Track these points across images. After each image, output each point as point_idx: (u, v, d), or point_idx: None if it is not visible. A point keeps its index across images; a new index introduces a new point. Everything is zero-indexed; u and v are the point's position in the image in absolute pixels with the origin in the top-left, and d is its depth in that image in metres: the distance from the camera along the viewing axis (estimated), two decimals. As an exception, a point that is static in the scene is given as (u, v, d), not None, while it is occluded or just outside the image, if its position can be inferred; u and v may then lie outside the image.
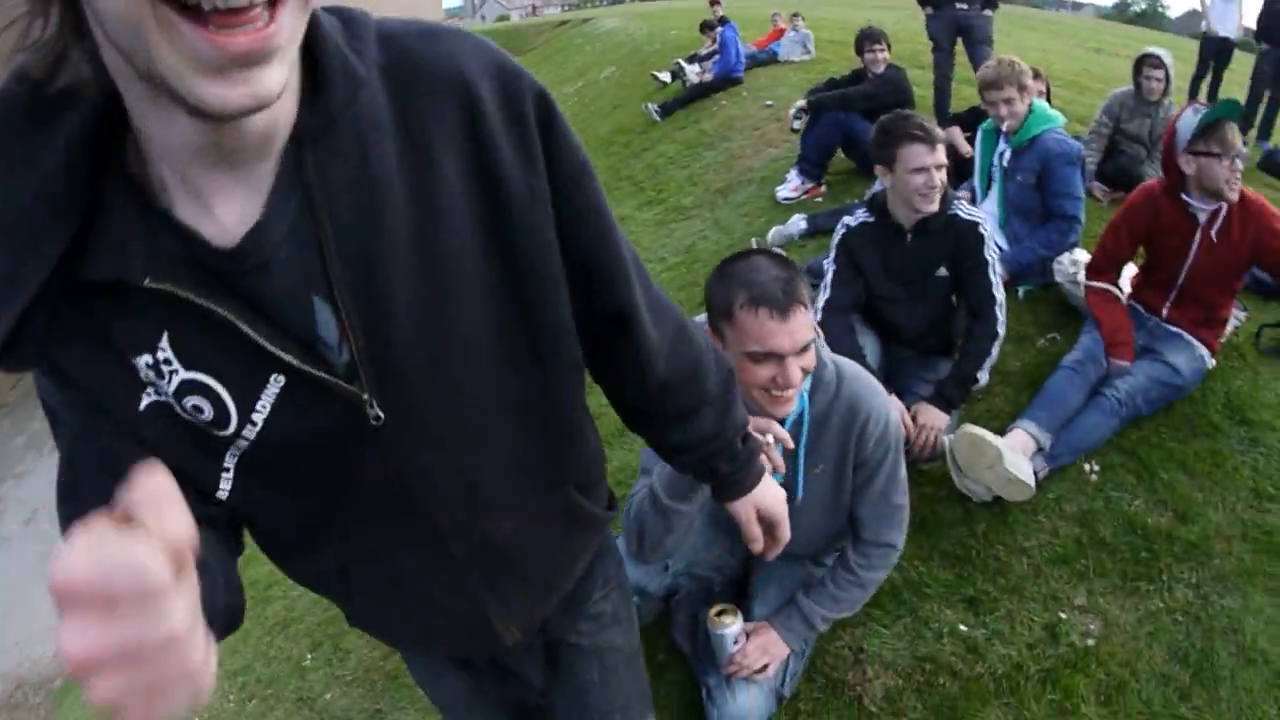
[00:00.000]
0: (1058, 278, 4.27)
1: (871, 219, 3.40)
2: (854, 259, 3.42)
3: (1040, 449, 3.19)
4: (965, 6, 6.93)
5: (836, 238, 3.48)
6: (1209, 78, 9.26)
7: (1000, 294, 3.31)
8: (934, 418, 3.19)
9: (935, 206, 3.20)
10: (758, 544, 1.49)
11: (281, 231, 0.84)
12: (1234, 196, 3.39)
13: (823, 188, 6.68)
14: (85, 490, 0.92)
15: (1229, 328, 3.96)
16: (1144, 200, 3.67)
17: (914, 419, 3.21)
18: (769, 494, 1.47)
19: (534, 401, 1.10)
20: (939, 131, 3.25)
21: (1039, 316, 4.29)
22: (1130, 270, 3.97)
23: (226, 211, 0.81)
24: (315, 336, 0.89)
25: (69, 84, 0.72)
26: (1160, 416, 3.49)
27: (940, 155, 3.16)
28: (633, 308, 1.15)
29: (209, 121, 0.71)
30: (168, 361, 0.85)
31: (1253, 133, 8.48)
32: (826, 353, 2.20)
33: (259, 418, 0.89)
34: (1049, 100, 6.00)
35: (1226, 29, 9.03)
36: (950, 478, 3.08)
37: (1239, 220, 3.43)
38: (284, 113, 0.80)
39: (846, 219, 3.48)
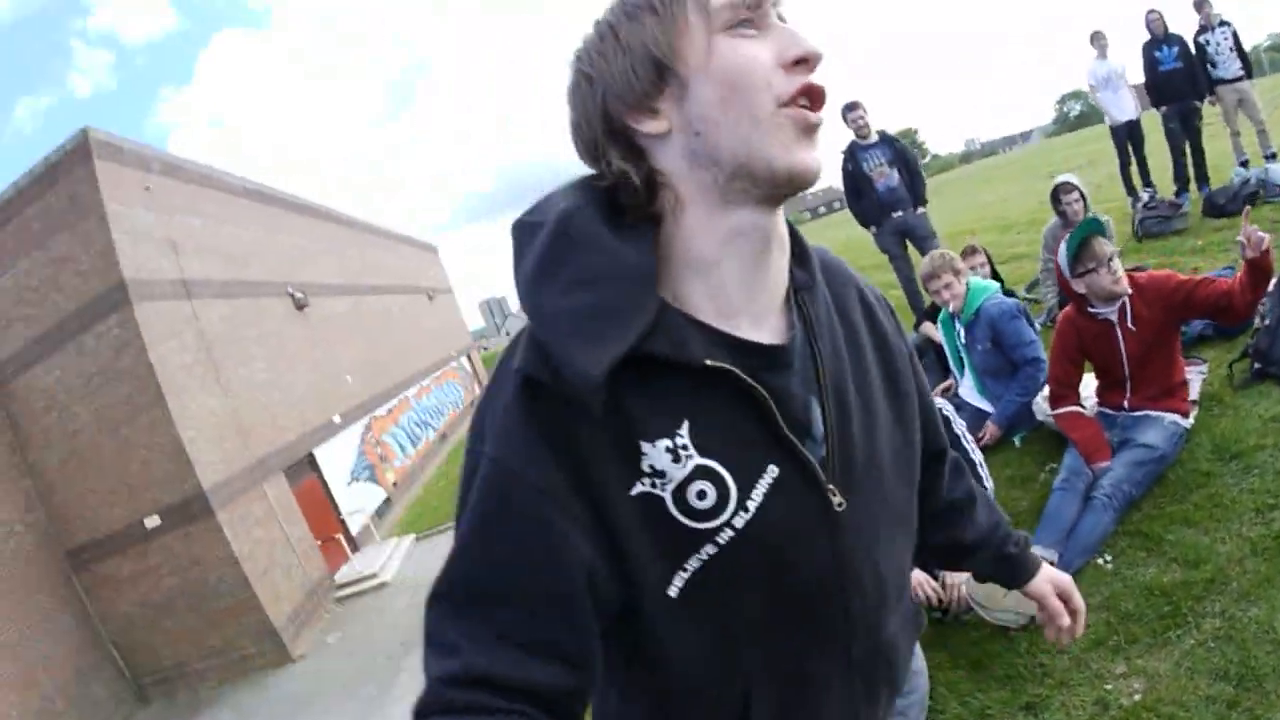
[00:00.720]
0: (1039, 417, 4.83)
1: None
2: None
3: (1052, 563, 3.48)
4: (900, 213, 7.66)
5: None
6: (1134, 163, 9.82)
7: (977, 455, 3.86)
8: (955, 575, 3.61)
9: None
10: (1063, 617, 1.52)
11: (800, 346, 1.08)
12: (1124, 290, 4.00)
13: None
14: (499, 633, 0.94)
15: (1195, 387, 4.41)
16: (1066, 326, 4.28)
17: (941, 584, 3.63)
18: (1053, 570, 1.58)
19: (907, 515, 1.27)
20: None
21: (1036, 456, 4.77)
22: (1092, 382, 4.47)
23: (750, 328, 1.04)
24: (809, 431, 1.07)
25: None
26: (1156, 490, 3.87)
27: None
28: (945, 446, 1.48)
29: (769, 208, 1.02)
30: (685, 447, 0.96)
31: (1193, 185, 9.14)
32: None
33: (753, 505, 1.00)
34: (992, 267, 6.68)
35: (1126, 113, 9.64)
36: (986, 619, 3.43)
37: (1141, 302, 4.00)
38: (786, 266, 1.10)
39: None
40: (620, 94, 0.99)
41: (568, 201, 1.00)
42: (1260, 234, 3.47)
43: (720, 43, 0.96)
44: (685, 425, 0.97)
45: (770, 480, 1.01)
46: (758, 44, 0.97)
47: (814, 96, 0.98)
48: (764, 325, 1.06)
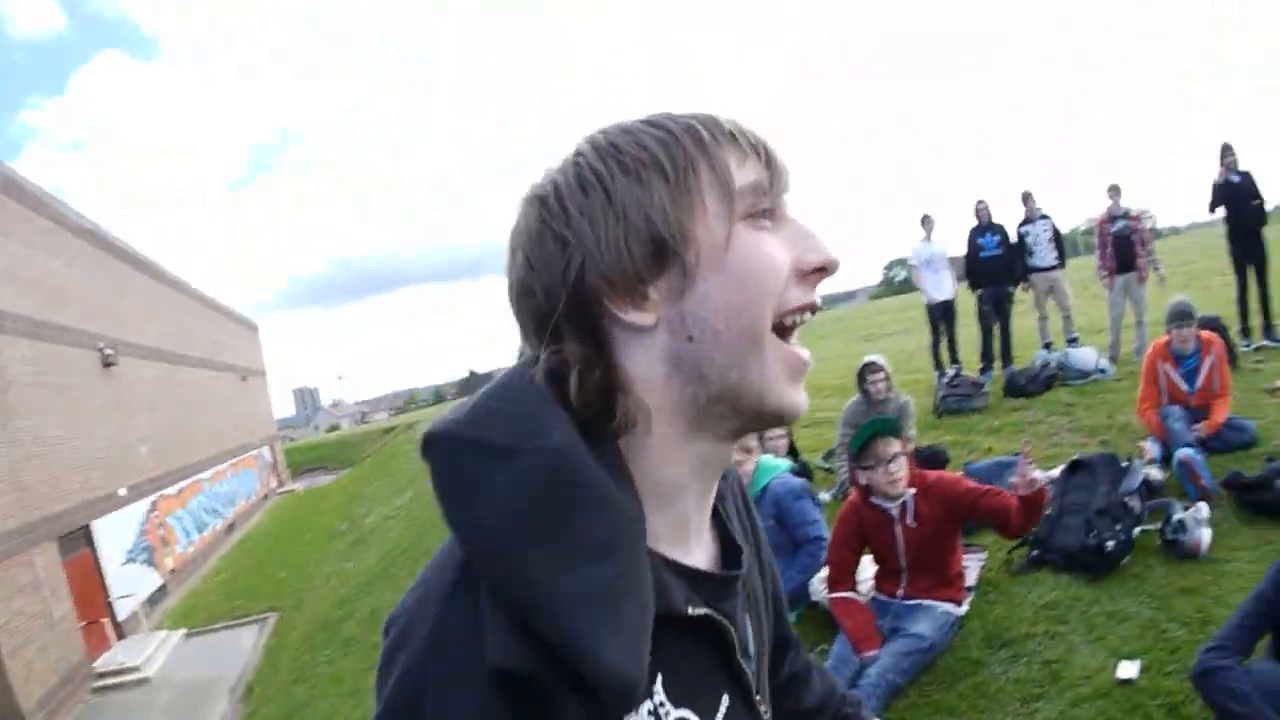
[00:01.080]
0: (815, 597, 4.91)
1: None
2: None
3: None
4: None
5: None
6: (945, 340, 10.48)
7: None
8: None
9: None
10: None
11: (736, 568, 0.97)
12: (897, 492, 4.19)
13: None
14: None
15: (972, 574, 4.62)
16: (850, 511, 4.44)
17: None
18: None
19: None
20: None
21: (808, 636, 4.74)
22: (872, 566, 4.60)
23: (697, 552, 0.91)
24: (746, 651, 0.96)
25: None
26: (924, 678, 3.97)
27: None
28: (792, 636, 1.37)
29: (732, 443, 0.89)
30: (662, 704, 0.81)
31: (997, 363, 9.87)
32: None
33: None
34: (792, 446, 7.05)
35: (943, 293, 10.32)
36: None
37: (924, 500, 4.18)
38: None
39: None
40: (605, 270, 0.78)
41: (557, 431, 0.75)
42: (1034, 474, 3.71)
43: (741, 234, 0.81)
44: (659, 679, 0.81)
45: (724, 712, 0.89)
46: (775, 240, 0.83)
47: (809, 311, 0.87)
48: (701, 546, 0.94)
